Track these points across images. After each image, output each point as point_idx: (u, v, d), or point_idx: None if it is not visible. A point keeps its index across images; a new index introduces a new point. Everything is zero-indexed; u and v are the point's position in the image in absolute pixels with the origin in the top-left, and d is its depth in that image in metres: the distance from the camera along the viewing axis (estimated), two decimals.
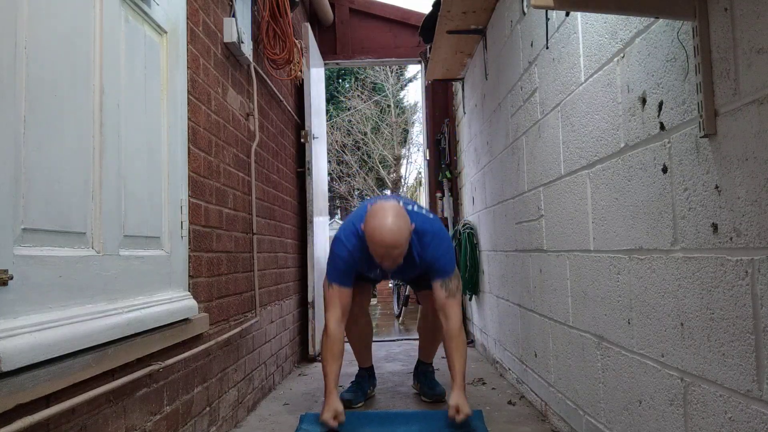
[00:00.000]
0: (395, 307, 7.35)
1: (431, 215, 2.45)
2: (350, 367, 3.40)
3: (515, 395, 2.66)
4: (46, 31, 1.16)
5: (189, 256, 1.86)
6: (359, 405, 2.59)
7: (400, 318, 6.68)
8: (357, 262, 2.34)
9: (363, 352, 2.80)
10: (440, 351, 3.44)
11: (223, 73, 2.29)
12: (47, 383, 1.09)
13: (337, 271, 2.34)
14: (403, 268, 2.36)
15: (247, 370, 2.50)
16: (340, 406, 2.20)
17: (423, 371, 2.79)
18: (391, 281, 7.56)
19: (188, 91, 1.90)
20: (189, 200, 1.87)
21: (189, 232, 1.86)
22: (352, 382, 2.74)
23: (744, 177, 1.01)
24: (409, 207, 2.37)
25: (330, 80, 16.88)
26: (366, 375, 2.77)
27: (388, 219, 2.11)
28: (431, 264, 2.32)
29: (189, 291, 1.85)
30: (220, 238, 2.16)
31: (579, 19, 1.75)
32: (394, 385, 2.97)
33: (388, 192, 17.95)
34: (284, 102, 3.45)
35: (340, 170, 17.65)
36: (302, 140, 3.87)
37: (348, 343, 2.72)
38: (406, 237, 2.14)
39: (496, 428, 2.20)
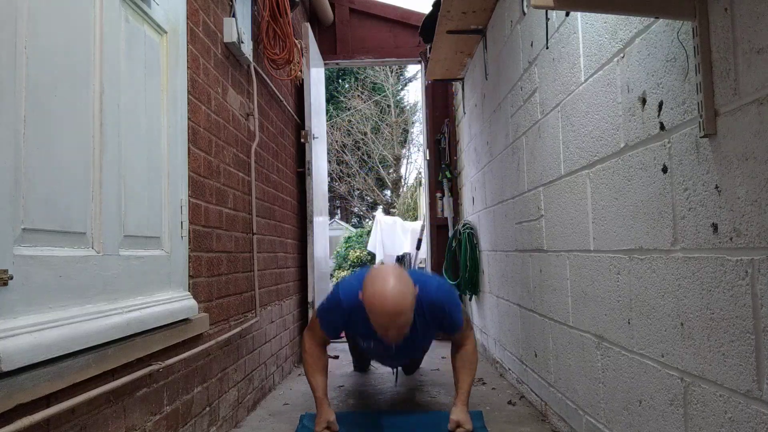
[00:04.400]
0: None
1: (434, 277, 2.33)
2: (349, 366, 3.40)
3: (515, 395, 2.66)
4: (46, 31, 1.16)
5: (189, 256, 1.86)
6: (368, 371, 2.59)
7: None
8: (349, 326, 2.25)
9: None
10: (440, 351, 3.44)
11: (223, 73, 2.29)
12: (47, 383, 1.09)
13: (324, 320, 2.23)
14: (404, 344, 2.19)
15: (247, 370, 2.50)
16: (332, 416, 2.16)
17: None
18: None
19: (188, 91, 1.90)
20: (189, 200, 1.87)
21: (189, 232, 1.86)
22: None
23: (744, 177, 1.01)
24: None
25: (330, 80, 16.88)
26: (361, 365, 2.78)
27: (389, 283, 1.91)
28: (444, 320, 2.19)
29: (189, 291, 1.85)
30: (220, 238, 2.16)
31: (579, 19, 1.75)
32: (393, 385, 2.97)
33: (388, 192, 17.95)
34: (284, 102, 3.45)
35: (340, 170, 17.64)
36: (302, 140, 3.87)
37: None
38: (410, 302, 1.93)
39: (496, 428, 2.20)
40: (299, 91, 3.97)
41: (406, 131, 18.21)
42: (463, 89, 4.11)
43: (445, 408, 2.48)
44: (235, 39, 2.30)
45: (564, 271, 1.98)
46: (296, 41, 3.14)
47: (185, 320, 1.75)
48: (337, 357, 3.79)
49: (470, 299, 4.15)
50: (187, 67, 1.90)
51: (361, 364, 3.17)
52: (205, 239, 2.01)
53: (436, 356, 3.68)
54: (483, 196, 3.50)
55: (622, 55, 1.47)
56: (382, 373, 3.22)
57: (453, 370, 2.27)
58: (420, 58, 4.70)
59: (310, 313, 3.76)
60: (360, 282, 2.04)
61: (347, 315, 2.15)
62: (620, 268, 1.53)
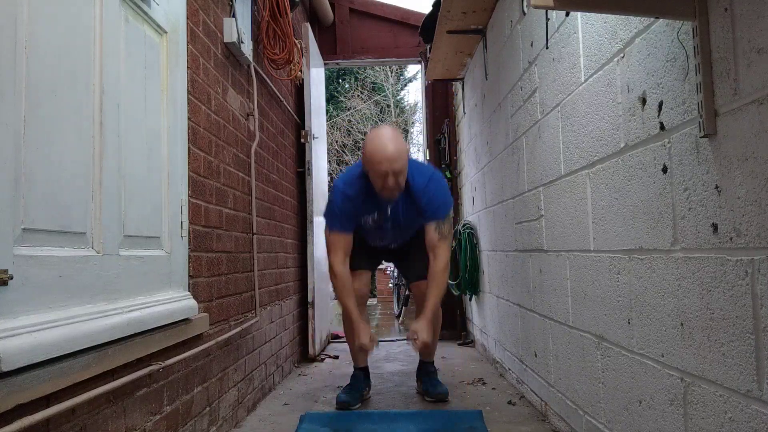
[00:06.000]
0: (395, 307, 7.35)
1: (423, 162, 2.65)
2: (348, 367, 3.40)
3: (515, 395, 2.66)
4: (46, 31, 1.16)
5: (189, 256, 1.86)
6: (357, 407, 2.58)
7: (400, 318, 6.68)
8: (355, 207, 2.46)
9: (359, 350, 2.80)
10: (440, 352, 3.44)
11: (223, 73, 2.29)
12: (47, 383, 1.09)
13: (335, 217, 2.48)
14: (401, 208, 2.47)
15: (247, 370, 2.50)
16: (371, 330, 2.43)
17: (425, 371, 2.79)
18: (391, 282, 7.56)
19: (188, 91, 1.90)
20: (189, 200, 1.87)
21: (189, 232, 1.86)
22: (347, 385, 2.72)
23: (744, 177, 1.01)
24: None
25: (330, 80, 16.87)
26: (361, 376, 2.75)
27: (387, 134, 2.27)
28: (429, 202, 2.44)
29: (189, 291, 1.85)
30: (220, 238, 2.16)
31: (579, 19, 1.75)
32: (394, 385, 2.97)
33: None
34: (284, 102, 3.45)
35: (340, 170, 17.63)
36: (302, 140, 3.87)
37: (346, 342, 2.77)
38: (405, 151, 2.28)
39: (496, 428, 2.20)
40: (299, 91, 3.97)
41: (406, 131, 18.20)
42: (463, 89, 4.11)
43: (446, 408, 2.49)
44: (235, 39, 2.30)
45: (564, 271, 1.98)
46: (296, 41, 3.14)
47: (185, 320, 1.75)
48: (337, 357, 3.79)
49: (470, 299, 4.15)
50: (187, 67, 1.90)
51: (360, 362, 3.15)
52: (205, 239, 2.01)
53: (436, 356, 3.68)
54: (483, 196, 3.50)
55: (622, 55, 1.47)
56: (382, 374, 3.22)
57: (426, 296, 2.50)
58: (420, 58, 4.71)
59: (310, 313, 3.76)
60: (353, 169, 2.46)
61: (351, 199, 2.44)
62: (620, 268, 1.53)
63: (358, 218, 2.50)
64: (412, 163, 2.44)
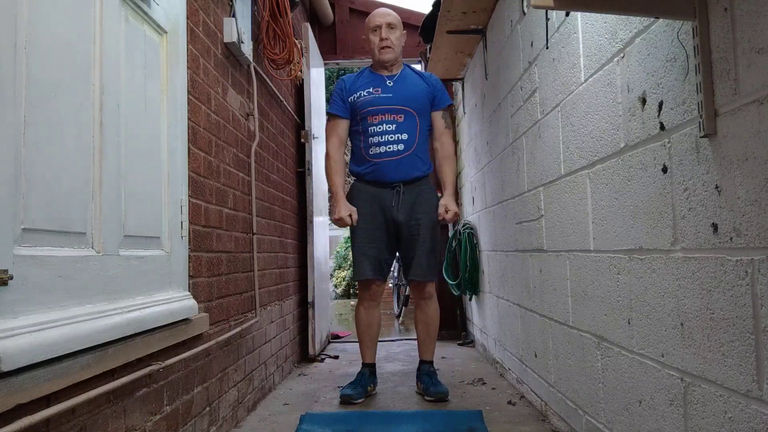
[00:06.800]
0: (395, 307, 7.35)
1: None
2: (349, 367, 3.40)
3: (515, 395, 2.66)
4: (46, 31, 1.16)
5: (189, 256, 1.86)
6: (359, 401, 2.59)
7: (400, 318, 6.68)
8: (351, 85, 2.78)
9: (369, 344, 2.83)
10: (440, 351, 3.44)
11: (223, 73, 2.29)
12: (47, 383, 1.09)
13: (333, 103, 2.76)
14: (404, 84, 2.78)
15: (247, 370, 2.50)
16: (350, 206, 2.65)
17: (425, 371, 2.79)
18: (391, 282, 7.56)
19: (188, 91, 1.90)
20: (189, 200, 1.87)
21: (189, 232, 1.86)
22: (352, 380, 2.75)
23: (744, 177, 1.01)
24: None
25: (330, 80, 16.85)
26: (367, 372, 2.78)
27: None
28: (436, 85, 2.83)
29: (189, 291, 1.85)
30: (220, 238, 2.16)
31: (579, 19, 1.75)
32: (394, 385, 2.97)
33: None
34: (284, 102, 3.45)
35: None
36: (302, 140, 3.87)
37: (356, 333, 2.88)
38: (398, 17, 2.85)
39: (496, 428, 2.20)
40: (299, 91, 3.97)
41: None
42: (463, 89, 4.11)
43: (446, 408, 2.49)
44: (235, 39, 2.30)
45: (564, 271, 1.98)
46: (296, 41, 3.14)
47: (185, 320, 1.75)
48: (336, 357, 3.79)
49: (470, 299, 4.15)
50: (187, 67, 1.90)
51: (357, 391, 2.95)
52: (205, 239, 2.01)
53: (436, 356, 3.68)
54: (483, 196, 3.50)
55: (622, 55, 1.47)
56: (382, 374, 3.22)
57: (439, 173, 2.81)
58: (420, 58, 4.70)
59: (310, 313, 3.76)
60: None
61: (346, 80, 2.80)
62: (620, 268, 1.53)
63: (354, 93, 2.76)
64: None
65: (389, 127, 2.71)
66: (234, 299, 2.32)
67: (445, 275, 4.17)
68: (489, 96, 3.15)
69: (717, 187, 1.09)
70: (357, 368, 2.88)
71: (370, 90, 2.76)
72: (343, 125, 2.77)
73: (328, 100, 3.36)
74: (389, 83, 2.78)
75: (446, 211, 2.67)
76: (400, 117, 2.71)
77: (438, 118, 2.78)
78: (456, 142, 4.54)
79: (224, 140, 2.26)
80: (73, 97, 1.25)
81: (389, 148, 2.71)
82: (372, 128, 2.72)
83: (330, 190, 2.75)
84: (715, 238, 1.11)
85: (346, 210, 2.64)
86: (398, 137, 2.71)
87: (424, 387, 2.70)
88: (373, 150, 2.72)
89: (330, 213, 2.94)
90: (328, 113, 2.80)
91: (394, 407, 2.56)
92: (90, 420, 1.27)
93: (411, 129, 2.72)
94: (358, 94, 2.76)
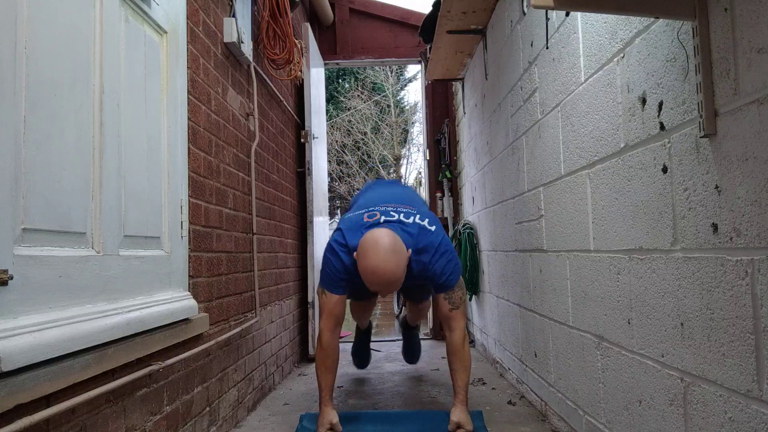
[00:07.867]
0: (395, 307, 7.35)
1: (431, 225, 2.20)
2: (349, 367, 3.40)
3: (515, 395, 2.66)
4: (46, 31, 1.16)
5: (189, 256, 1.86)
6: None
7: (400, 317, 6.67)
8: (349, 275, 2.16)
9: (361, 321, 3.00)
10: (440, 351, 3.44)
11: (223, 73, 2.29)
12: (47, 383, 1.09)
13: (329, 278, 2.19)
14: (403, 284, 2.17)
15: (247, 370, 2.50)
16: (335, 418, 2.13)
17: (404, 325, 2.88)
18: None
19: (188, 91, 1.90)
20: (189, 200, 1.87)
21: (189, 232, 1.86)
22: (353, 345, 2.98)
23: (744, 177, 1.01)
24: (409, 219, 2.17)
25: (330, 80, 16.87)
26: (364, 338, 3.06)
27: (380, 254, 1.94)
28: (434, 279, 2.18)
29: (189, 291, 1.85)
30: (220, 238, 2.16)
31: (579, 19, 1.75)
32: (393, 385, 2.97)
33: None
34: (284, 102, 3.45)
35: (340, 170, 17.62)
36: (302, 140, 3.87)
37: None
38: (402, 268, 2.00)
39: (496, 428, 2.20)
40: (299, 91, 3.97)
41: (406, 131, 18.20)
42: (463, 89, 4.11)
43: (445, 407, 2.49)
44: (235, 39, 2.30)
45: (564, 271, 1.98)
46: (296, 41, 3.14)
47: (185, 320, 1.75)
48: None
49: (470, 299, 4.15)
50: (187, 67, 1.90)
51: (361, 358, 3.15)
52: (205, 239, 2.01)
53: (436, 356, 3.68)
54: (483, 196, 3.50)
55: (622, 55, 1.47)
56: (382, 374, 3.22)
57: (450, 369, 2.23)
58: (420, 58, 4.70)
59: (310, 313, 3.76)
60: (351, 236, 2.13)
61: (346, 268, 2.14)
62: (620, 268, 1.53)
63: (353, 282, 2.20)
64: (412, 236, 2.13)
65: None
66: (234, 299, 2.32)
67: None
68: (489, 96, 3.15)
69: (717, 187, 1.09)
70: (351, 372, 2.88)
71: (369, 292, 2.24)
72: (341, 303, 2.22)
73: (328, 100, 3.31)
74: None
75: (458, 428, 2.11)
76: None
77: (440, 300, 2.21)
78: (456, 142, 4.55)
79: (224, 140, 2.26)
80: (73, 97, 1.25)
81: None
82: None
83: (318, 388, 2.21)
84: (715, 238, 1.11)
85: (326, 424, 2.13)
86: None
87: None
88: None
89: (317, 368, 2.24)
90: (323, 287, 2.22)
91: (394, 407, 2.56)
92: (90, 420, 1.27)
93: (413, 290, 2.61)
94: (359, 282, 2.17)
